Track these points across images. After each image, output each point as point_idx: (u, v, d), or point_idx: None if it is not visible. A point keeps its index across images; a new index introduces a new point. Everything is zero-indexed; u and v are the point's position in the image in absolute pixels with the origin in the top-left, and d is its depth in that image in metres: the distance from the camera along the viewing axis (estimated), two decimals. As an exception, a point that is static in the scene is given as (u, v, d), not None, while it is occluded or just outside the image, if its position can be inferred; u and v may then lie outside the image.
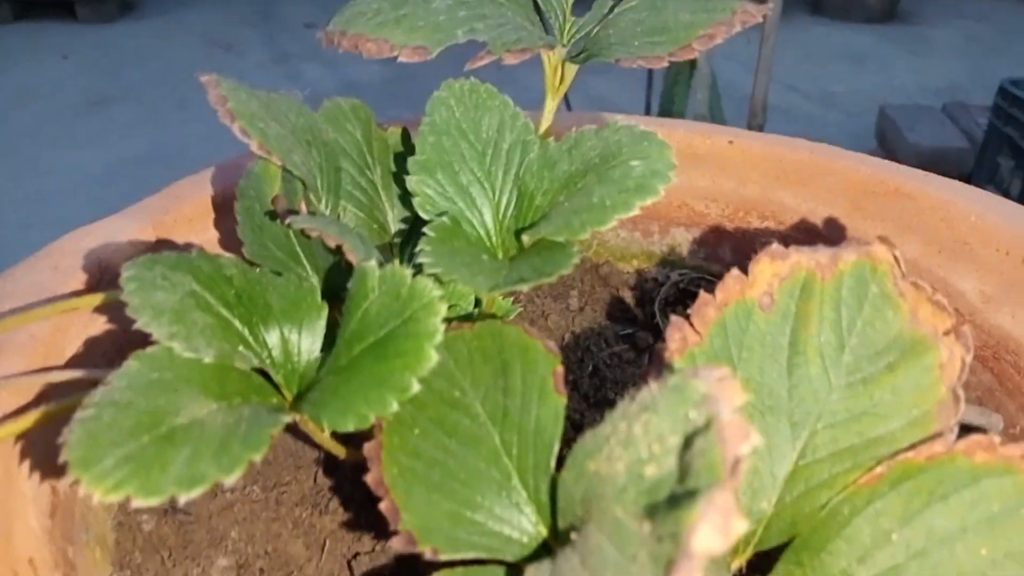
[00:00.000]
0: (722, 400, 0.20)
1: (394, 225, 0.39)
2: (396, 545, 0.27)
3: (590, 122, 0.46)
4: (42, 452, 0.35)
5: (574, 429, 0.42)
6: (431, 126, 0.35)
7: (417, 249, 0.31)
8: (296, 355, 0.32)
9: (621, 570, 0.19)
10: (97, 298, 0.37)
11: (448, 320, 0.29)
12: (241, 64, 3.27)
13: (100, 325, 0.40)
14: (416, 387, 0.27)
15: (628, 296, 0.56)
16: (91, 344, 0.39)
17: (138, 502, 0.23)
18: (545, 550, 0.27)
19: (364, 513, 0.41)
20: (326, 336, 0.33)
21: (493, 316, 0.38)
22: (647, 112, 1.72)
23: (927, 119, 2.36)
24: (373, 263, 0.30)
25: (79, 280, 0.41)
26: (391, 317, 0.29)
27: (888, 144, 2.35)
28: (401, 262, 0.34)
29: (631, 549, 0.20)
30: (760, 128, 1.63)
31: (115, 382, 0.27)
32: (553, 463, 0.28)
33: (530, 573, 0.24)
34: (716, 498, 0.18)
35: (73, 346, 0.39)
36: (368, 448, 0.30)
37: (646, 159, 0.31)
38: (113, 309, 0.41)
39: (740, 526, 0.17)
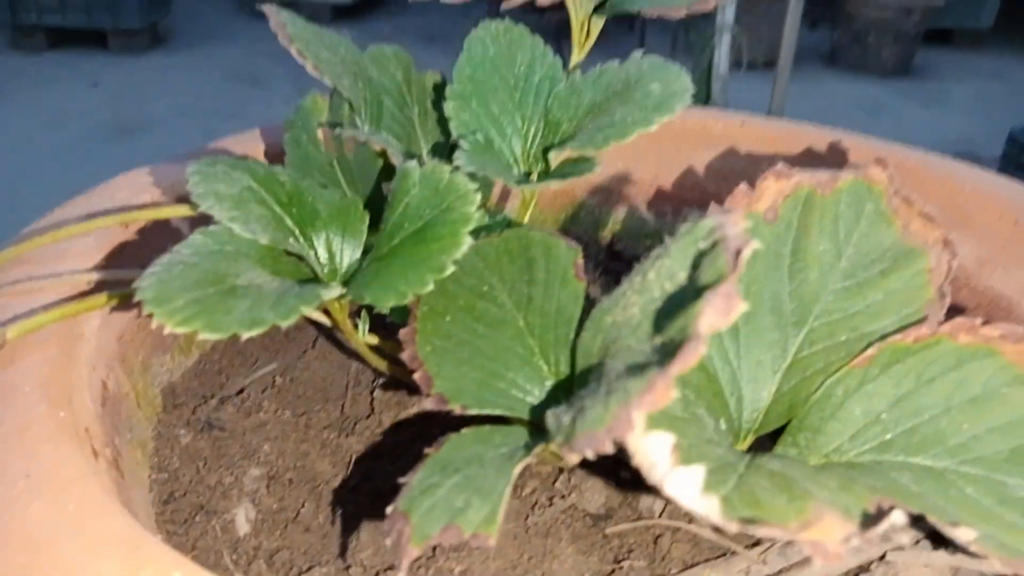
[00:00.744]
0: (727, 225, 0.22)
1: (427, 157, 0.42)
2: (429, 405, 0.29)
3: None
4: (95, 346, 0.37)
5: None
6: (468, 60, 0.38)
7: (452, 157, 0.34)
8: (339, 257, 0.35)
9: (634, 370, 0.22)
10: (151, 212, 0.40)
11: (476, 231, 0.32)
12: (266, 97, 3.35)
13: (142, 240, 0.43)
14: (451, 268, 0.30)
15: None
16: (145, 253, 0.42)
17: (205, 335, 0.26)
18: (563, 415, 0.30)
19: (387, 436, 0.43)
20: (365, 245, 0.36)
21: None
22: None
23: (938, 166, 2.39)
24: (414, 162, 0.33)
25: (133, 207, 0.44)
26: (430, 208, 0.32)
27: (899, 189, 2.38)
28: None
29: (641, 357, 0.22)
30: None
31: (181, 250, 0.30)
32: (572, 336, 0.30)
33: (549, 417, 0.27)
34: (720, 287, 0.20)
35: (120, 255, 0.41)
36: (403, 333, 0.33)
37: (664, 82, 0.34)
38: (165, 231, 0.44)
39: (741, 306, 0.20)
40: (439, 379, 0.30)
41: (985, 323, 0.29)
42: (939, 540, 0.31)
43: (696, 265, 0.23)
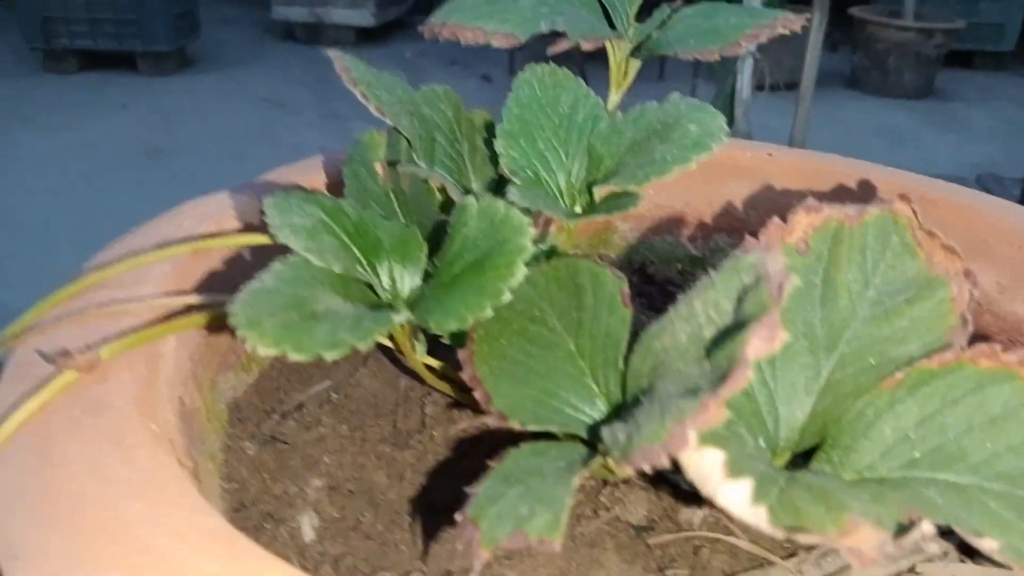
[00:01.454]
0: (768, 261, 0.25)
1: (478, 190, 0.45)
2: (490, 422, 0.32)
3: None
4: (172, 366, 0.40)
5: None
6: (516, 100, 0.41)
7: (505, 191, 0.37)
8: (400, 283, 0.38)
9: (686, 392, 0.24)
10: (225, 240, 0.43)
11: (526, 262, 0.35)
12: (293, 121, 3.41)
13: (214, 266, 0.46)
14: (508, 296, 0.33)
15: (673, 291, 0.61)
16: (215, 279, 0.46)
17: (293, 356, 0.29)
18: (612, 432, 0.32)
19: (439, 451, 0.46)
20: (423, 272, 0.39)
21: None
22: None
23: (959, 188, 2.40)
24: (472, 198, 0.36)
25: (201, 235, 0.47)
26: (487, 240, 0.35)
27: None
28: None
29: (691, 381, 0.25)
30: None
31: (264, 277, 0.33)
32: (621, 360, 0.33)
33: (605, 433, 0.29)
34: (764, 318, 0.23)
35: (194, 281, 0.45)
36: (462, 355, 0.35)
37: (701, 123, 0.37)
38: (231, 258, 0.47)
39: (783, 336, 0.22)
40: (497, 397, 0.33)
41: (1005, 349, 0.31)
42: (966, 552, 0.33)
43: (740, 298, 0.25)
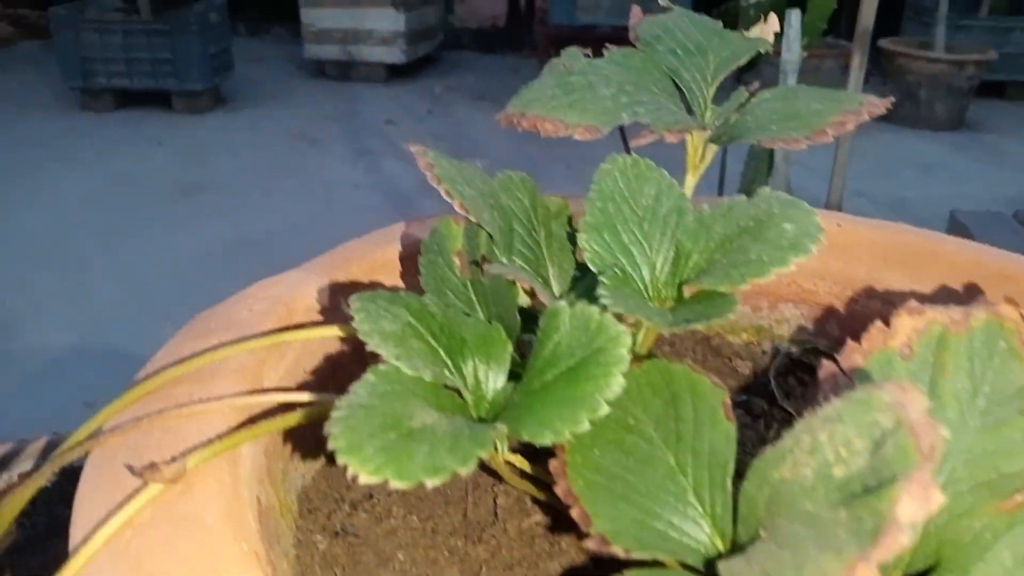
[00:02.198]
0: (908, 404, 0.24)
1: (554, 279, 0.44)
2: (591, 545, 0.31)
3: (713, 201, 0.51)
4: (250, 464, 0.40)
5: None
6: (598, 193, 0.40)
7: (596, 293, 0.36)
8: (485, 384, 0.37)
9: (823, 544, 0.23)
10: (303, 333, 0.42)
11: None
12: (325, 157, 3.44)
13: (291, 359, 0.46)
14: (606, 408, 0.32)
15: (740, 365, 0.60)
16: (286, 374, 0.45)
17: (395, 484, 0.28)
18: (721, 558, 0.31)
19: (514, 547, 0.45)
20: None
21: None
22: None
23: (999, 225, 2.37)
24: (564, 303, 0.35)
25: (272, 319, 0.47)
26: (580, 348, 0.34)
27: (960, 248, 2.36)
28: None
29: (828, 531, 0.24)
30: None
31: (358, 391, 0.32)
32: (729, 481, 0.32)
33: (723, 568, 0.28)
34: (915, 475, 0.22)
35: (271, 375, 0.44)
36: (553, 465, 0.34)
37: (797, 222, 0.36)
38: (305, 346, 0.46)
39: (939, 498, 0.21)
40: (597, 518, 0.31)
41: None
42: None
43: (878, 442, 0.24)
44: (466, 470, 0.29)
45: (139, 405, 0.40)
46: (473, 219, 0.38)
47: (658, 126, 0.40)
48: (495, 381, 0.37)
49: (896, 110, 3.86)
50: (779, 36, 1.57)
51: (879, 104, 0.43)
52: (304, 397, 0.40)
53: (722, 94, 0.48)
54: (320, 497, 0.47)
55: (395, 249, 0.55)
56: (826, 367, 0.35)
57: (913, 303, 0.35)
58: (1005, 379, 0.34)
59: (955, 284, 0.55)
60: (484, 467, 0.48)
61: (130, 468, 0.34)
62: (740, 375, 0.59)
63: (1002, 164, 3.52)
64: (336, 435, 0.29)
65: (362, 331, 0.34)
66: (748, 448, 0.48)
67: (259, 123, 3.84)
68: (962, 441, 0.34)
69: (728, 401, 0.33)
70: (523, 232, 0.44)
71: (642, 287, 0.40)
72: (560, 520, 0.44)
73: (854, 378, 0.34)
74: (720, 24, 0.48)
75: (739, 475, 0.31)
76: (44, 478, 0.41)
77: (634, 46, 0.46)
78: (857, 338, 0.57)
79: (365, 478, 0.28)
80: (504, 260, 0.41)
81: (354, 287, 0.53)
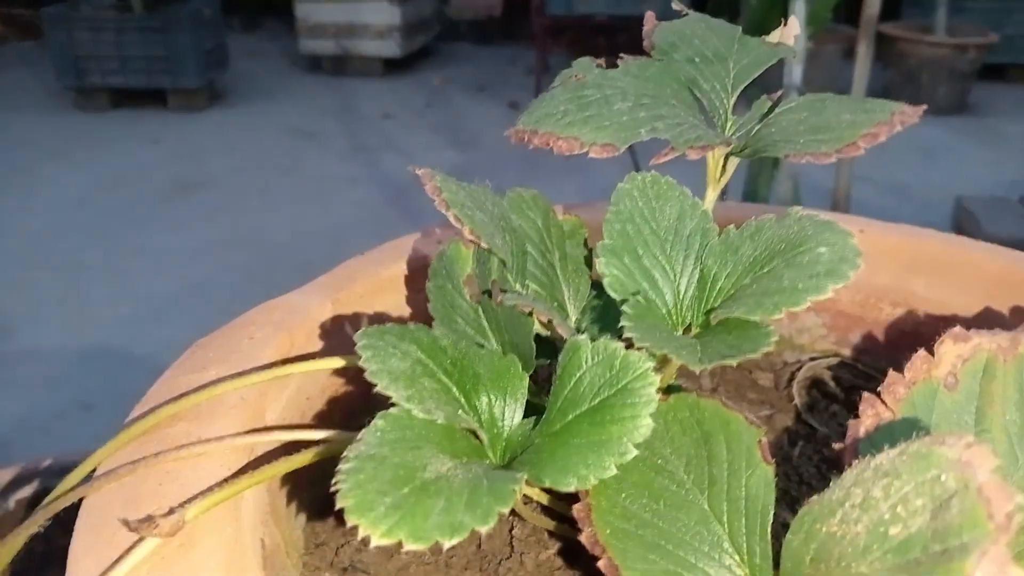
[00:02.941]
0: (976, 464, 0.22)
1: (569, 302, 0.42)
2: (621, 601, 0.29)
3: (739, 212, 0.49)
4: (252, 505, 0.38)
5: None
6: (616, 214, 0.38)
7: (620, 325, 0.33)
8: (501, 420, 0.35)
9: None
10: (304, 365, 0.40)
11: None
12: (322, 153, 3.41)
13: (293, 388, 0.44)
14: (634, 452, 0.30)
15: (761, 378, 0.58)
16: (288, 404, 0.43)
17: (409, 546, 0.26)
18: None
19: (529, 579, 0.43)
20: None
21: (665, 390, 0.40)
22: (722, 198, 1.75)
23: (1005, 211, 2.35)
24: (585, 337, 0.33)
25: (273, 348, 0.44)
26: (605, 387, 0.31)
27: (965, 235, 2.34)
28: (579, 332, 0.37)
29: (888, 600, 0.22)
30: (842, 218, 1.65)
31: (368, 438, 0.30)
32: (769, 529, 0.29)
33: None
34: (991, 550, 0.20)
35: (274, 406, 0.42)
36: (578, 509, 0.32)
37: (832, 246, 0.34)
38: (307, 374, 0.44)
39: (1017, 574, 0.19)
40: (628, 571, 0.29)
41: None
42: None
43: (941, 503, 0.22)
44: (486, 528, 0.27)
45: (135, 446, 0.38)
46: (484, 244, 0.36)
47: (679, 143, 0.37)
48: (512, 417, 0.35)
49: (897, 94, 3.82)
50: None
51: (911, 113, 0.41)
52: (310, 435, 0.38)
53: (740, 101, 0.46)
54: (327, 531, 0.45)
55: (400, 266, 0.53)
56: (867, 399, 0.33)
57: (958, 329, 0.33)
58: (1057, 410, 0.32)
59: (982, 292, 0.53)
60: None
61: (126, 523, 0.31)
62: (761, 388, 0.57)
63: (1004, 147, 3.49)
64: (345, 493, 0.27)
65: (370, 371, 0.32)
66: (775, 470, 0.46)
67: (255, 119, 3.80)
68: (1014, 477, 0.32)
69: (765, 440, 0.31)
70: (536, 254, 0.42)
71: (665, 313, 0.37)
72: (578, 553, 0.41)
73: (897, 414, 0.32)
74: (739, 30, 0.45)
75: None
76: (36, 525, 0.39)
77: (648, 55, 0.44)
78: (881, 350, 0.55)
79: (377, 540, 0.26)
80: (517, 286, 0.38)
81: (357, 314, 0.51)
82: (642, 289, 0.37)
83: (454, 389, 0.34)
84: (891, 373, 0.33)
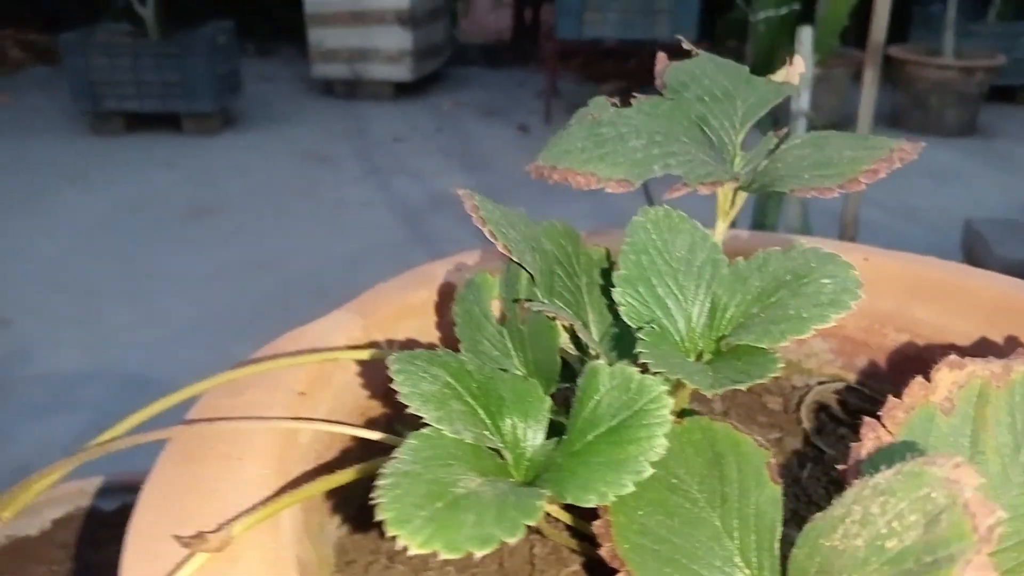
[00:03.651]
0: (963, 482, 0.24)
1: (593, 325, 0.45)
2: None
3: (747, 244, 0.51)
4: (289, 520, 0.40)
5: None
6: (631, 246, 0.41)
7: (635, 351, 0.36)
8: (523, 440, 0.37)
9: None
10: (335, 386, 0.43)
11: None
12: (335, 176, 3.45)
13: (324, 409, 0.46)
14: (649, 471, 0.32)
15: (770, 402, 0.60)
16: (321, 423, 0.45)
17: (444, 555, 0.28)
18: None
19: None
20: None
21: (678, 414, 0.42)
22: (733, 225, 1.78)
23: (1015, 233, 2.36)
24: (603, 362, 0.35)
25: (304, 372, 0.47)
26: (622, 409, 0.34)
27: (975, 258, 2.35)
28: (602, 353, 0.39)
29: (885, 606, 0.24)
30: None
31: (402, 455, 0.32)
32: (777, 544, 0.32)
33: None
34: (974, 558, 0.22)
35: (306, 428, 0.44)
36: (598, 526, 0.34)
37: (835, 278, 0.36)
38: (337, 397, 0.47)
39: (1000, 581, 0.21)
40: (645, 582, 0.31)
41: None
42: None
43: (933, 517, 0.24)
44: (514, 540, 0.29)
45: (176, 465, 0.40)
46: (515, 259, 0.38)
47: (691, 179, 0.40)
48: (534, 438, 0.37)
49: (906, 117, 3.86)
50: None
51: (910, 150, 0.43)
52: (360, 432, 0.40)
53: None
54: (356, 549, 0.47)
55: (424, 293, 0.55)
56: (868, 423, 0.35)
57: (953, 357, 0.35)
58: (1048, 432, 0.34)
59: (983, 319, 0.55)
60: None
61: (178, 538, 0.34)
62: (771, 411, 0.59)
63: (1014, 170, 3.51)
64: (384, 506, 0.29)
65: (402, 393, 0.34)
66: (784, 490, 0.48)
67: (269, 143, 3.86)
68: (1005, 497, 0.34)
69: (773, 462, 0.33)
70: (564, 276, 0.44)
71: (678, 340, 0.40)
72: (598, 570, 0.43)
73: (897, 437, 0.34)
74: (747, 70, 0.48)
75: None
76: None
77: (661, 93, 0.46)
78: (885, 374, 0.57)
79: (415, 550, 0.28)
80: (544, 302, 0.41)
81: (387, 330, 0.53)
82: (656, 317, 0.39)
83: (480, 411, 0.36)
84: (890, 399, 0.35)
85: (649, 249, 0.41)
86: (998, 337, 0.54)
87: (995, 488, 0.34)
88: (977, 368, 0.35)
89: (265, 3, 5.40)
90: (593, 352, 0.37)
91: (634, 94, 0.45)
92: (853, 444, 0.35)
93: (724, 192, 0.45)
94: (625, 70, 4.61)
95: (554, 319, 0.39)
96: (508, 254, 0.38)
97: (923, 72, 3.76)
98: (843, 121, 3.47)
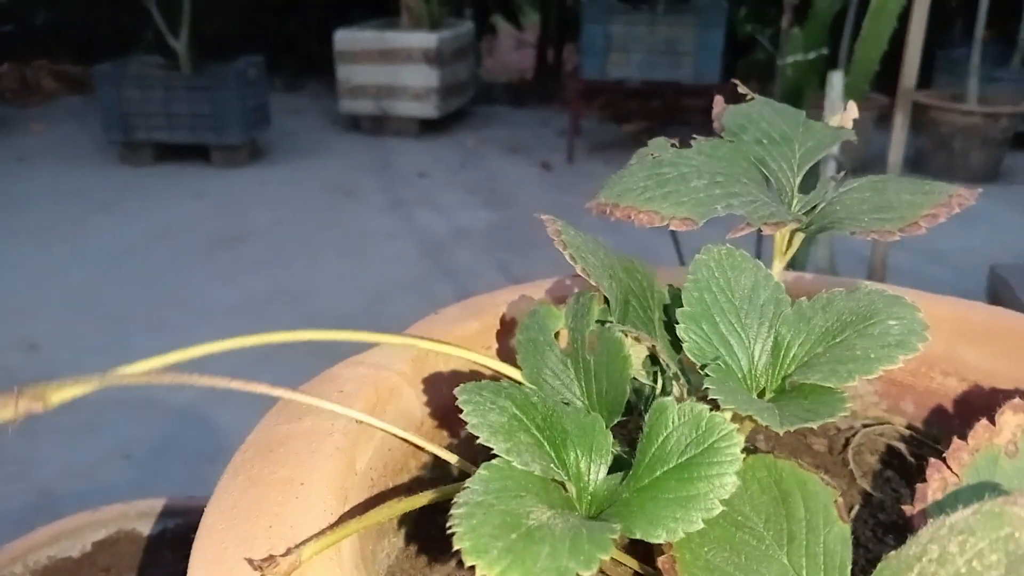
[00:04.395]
0: (1052, 524, 0.24)
1: (663, 356, 0.45)
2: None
3: (808, 284, 0.51)
4: (348, 549, 0.40)
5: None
6: (694, 283, 0.41)
7: (704, 387, 0.36)
8: (587, 474, 0.38)
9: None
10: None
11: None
12: (360, 208, 3.49)
13: (378, 439, 0.47)
14: (719, 508, 0.32)
15: (815, 443, 0.60)
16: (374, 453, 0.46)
17: (522, 587, 0.28)
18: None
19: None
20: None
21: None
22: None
23: (1041, 280, 2.35)
24: (671, 399, 0.35)
25: (362, 400, 0.47)
26: (691, 446, 0.34)
27: (1000, 303, 2.34)
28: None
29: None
30: (879, 285, 1.67)
31: (475, 486, 0.33)
32: (846, 582, 0.32)
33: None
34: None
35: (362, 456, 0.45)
36: (663, 562, 0.35)
37: (902, 320, 0.36)
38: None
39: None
40: (714, 618, 0.32)
41: None
42: None
43: (1017, 559, 0.24)
44: (588, 573, 0.30)
45: (239, 488, 0.41)
46: (593, 282, 0.39)
47: (755, 219, 0.40)
48: (597, 473, 0.38)
49: (930, 161, 3.86)
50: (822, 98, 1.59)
51: (968, 196, 0.43)
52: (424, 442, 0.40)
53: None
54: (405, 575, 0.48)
55: (473, 324, 0.56)
56: (933, 464, 0.35)
57: (1018, 400, 0.36)
58: (1117, 479, 0.34)
59: (1030, 362, 0.55)
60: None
61: (249, 562, 0.34)
62: (816, 452, 0.59)
63: (1039, 216, 3.49)
64: (461, 536, 0.30)
65: (471, 424, 0.35)
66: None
67: (296, 175, 3.90)
68: (1076, 542, 0.33)
69: (841, 500, 0.33)
70: (639, 308, 0.45)
71: (741, 377, 0.40)
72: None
73: (961, 479, 0.34)
74: (803, 114, 0.49)
75: None
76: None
77: (720, 136, 0.47)
78: (932, 417, 0.57)
79: (494, 581, 0.29)
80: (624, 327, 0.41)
81: (437, 362, 0.54)
82: (719, 354, 0.39)
83: (546, 444, 0.37)
84: (955, 440, 0.35)
85: (712, 287, 0.41)
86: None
87: (1064, 533, 0.34)
88: (1043, 412, 0.35)
89: (295, 39, 5.50)
90: (671, 374, 0.37)
91: (694, 136, 0.46)
92: (919, 485, 0.35)
93: (782, 233, 0.46)
94: (648, 110, 4.64)
95: (626, 350, 0.40)
96: (587, 277, 0.39)
97: (947, 117, 3.77)
98: (867, 163, 3.47)
